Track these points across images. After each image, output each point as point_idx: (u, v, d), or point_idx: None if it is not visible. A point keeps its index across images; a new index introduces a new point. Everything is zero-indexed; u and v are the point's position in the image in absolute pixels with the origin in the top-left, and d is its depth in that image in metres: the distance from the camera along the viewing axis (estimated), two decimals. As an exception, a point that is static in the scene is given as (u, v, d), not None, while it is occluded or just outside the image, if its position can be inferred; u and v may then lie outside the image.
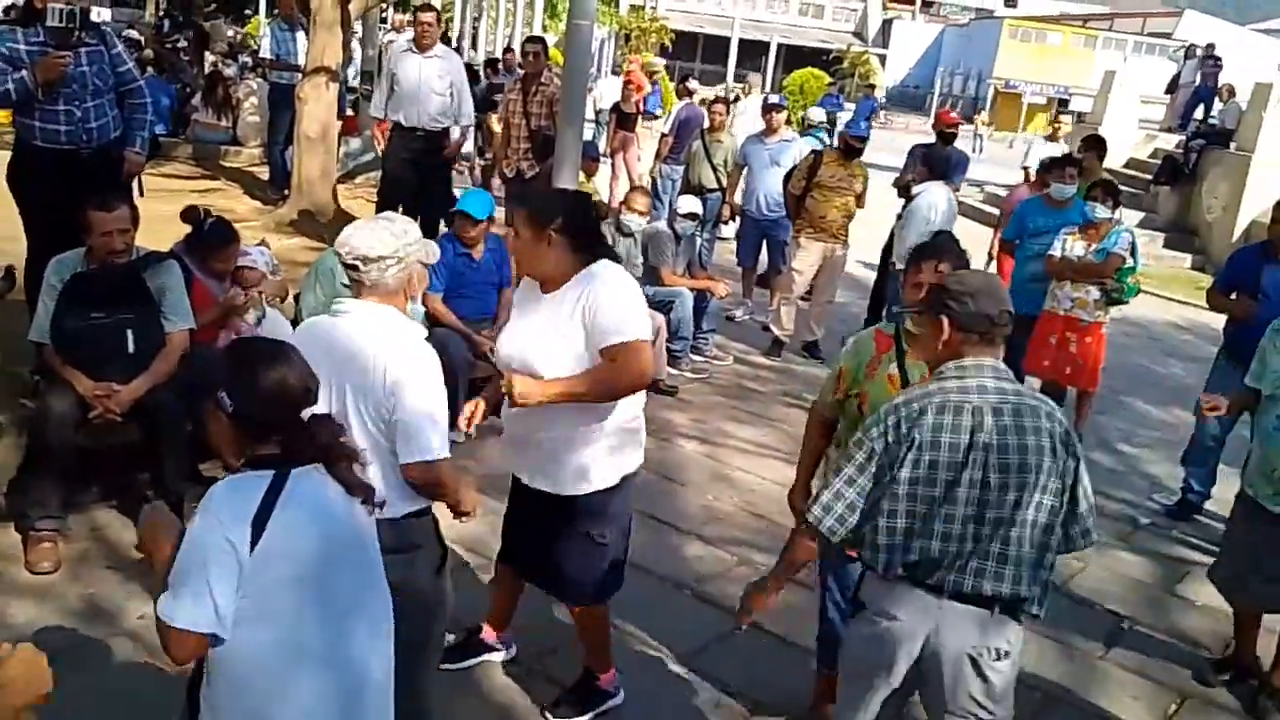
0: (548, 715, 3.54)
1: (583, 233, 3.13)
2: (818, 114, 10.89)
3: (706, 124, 9.64)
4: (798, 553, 2.86)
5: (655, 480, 5.46)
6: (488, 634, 3.76)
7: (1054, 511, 2.53)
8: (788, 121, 9.45)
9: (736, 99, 15.73)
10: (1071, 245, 6.23)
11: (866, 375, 3.12)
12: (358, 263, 2.70)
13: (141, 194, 5.24)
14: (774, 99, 9.26)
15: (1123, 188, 8.06)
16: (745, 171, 8.69)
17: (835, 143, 8.48)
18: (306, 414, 2.14)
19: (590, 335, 3.05)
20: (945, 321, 2.57)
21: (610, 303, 3.07)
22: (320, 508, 2.11)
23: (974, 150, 29.91)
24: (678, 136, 11.13)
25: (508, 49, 17.18)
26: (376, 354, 2.64)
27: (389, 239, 2.70)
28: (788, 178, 8.01)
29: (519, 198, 3.17)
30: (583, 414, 3.14)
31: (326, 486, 2.13)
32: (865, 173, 7.85)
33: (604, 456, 3.22)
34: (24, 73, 4.58)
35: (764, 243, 8.70)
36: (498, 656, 3.77)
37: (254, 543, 1.99)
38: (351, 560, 2.18)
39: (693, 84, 14.59)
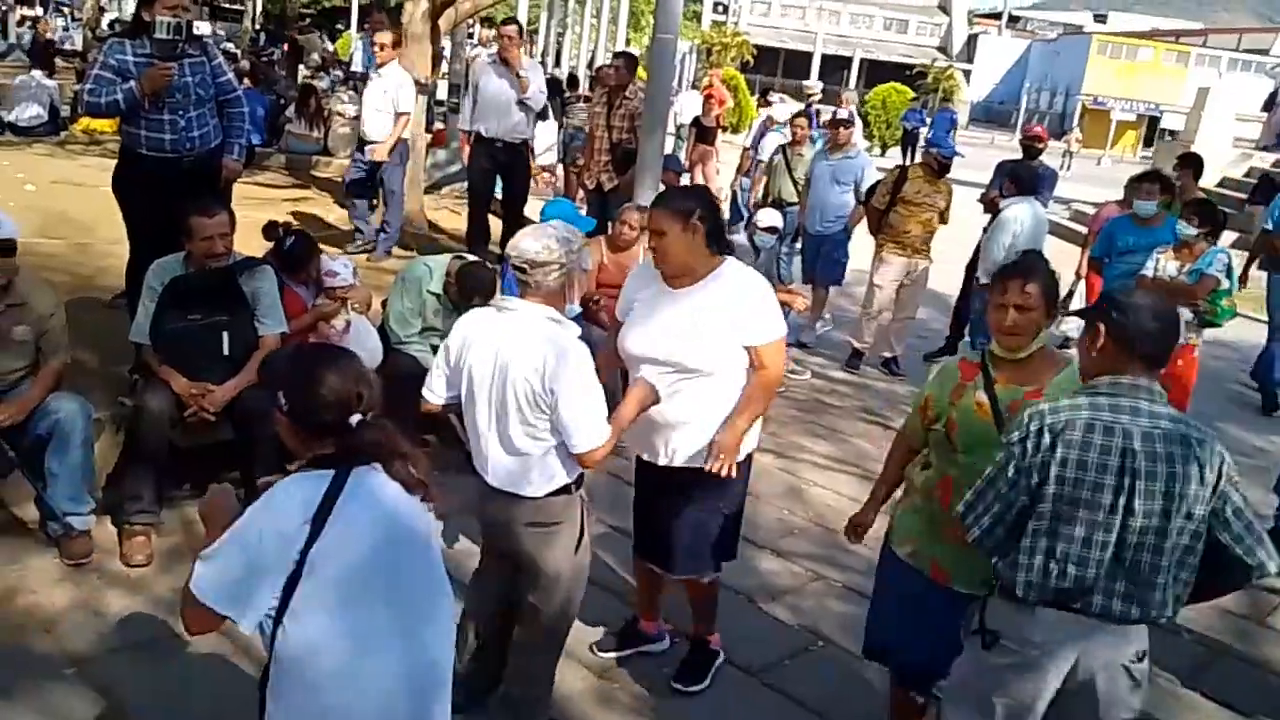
0: (675, 686, 3.73)
1: (716, 224, 3.31)
2: (781, 113, 10.87)
3: (789, 138, 9.62)
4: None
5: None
6: (645, 625, 3.95)
7: (1197, 537, 2.46)
8: (869, 136, 9.40)
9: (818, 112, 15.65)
10: (1165, 265, 6.08)
11: (951, 402, 3.03)
12: (525, 266, 2.97)
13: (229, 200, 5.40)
14: (842, 113, 9.04)
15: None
16: (810, 185, 8.53)
17: (919, 158, 8.38)
18: (355, 419, 2.20)
19: (740, 331, 3.27)
20: (1102, 329, 2.52)
21: (759, 302, 3.32)
22: (381, 505, 2.17)
23: (1064, 168, 29.35)
24: (757, 149, 11.14)
25: (600, 67, 17.28)
26: (537, 350, 2.91)
27: (555, 246, 2.97)
28: (870, 192, 7.96)
29: (657, 200, 3.43)
30: (716, 395, 3.33)
31: (387, 485, 2.19)
32: (950, 189, 7.78)
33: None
34: (132, 83, 4.75)
35: (815, 256, 8.49)
36: (654, 648, 3.95)
37: (313, 538, 2.06)
38: (413, 556, 2.23)
39: (774, 96, 14.56)
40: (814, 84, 15.80)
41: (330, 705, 2.13)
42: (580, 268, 3.09)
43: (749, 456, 3.55)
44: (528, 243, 2.99)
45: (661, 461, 3.46)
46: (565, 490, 3.10)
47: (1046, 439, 2.45)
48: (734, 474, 3.35)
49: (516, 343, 2.95)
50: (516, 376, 2.92)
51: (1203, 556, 2.48)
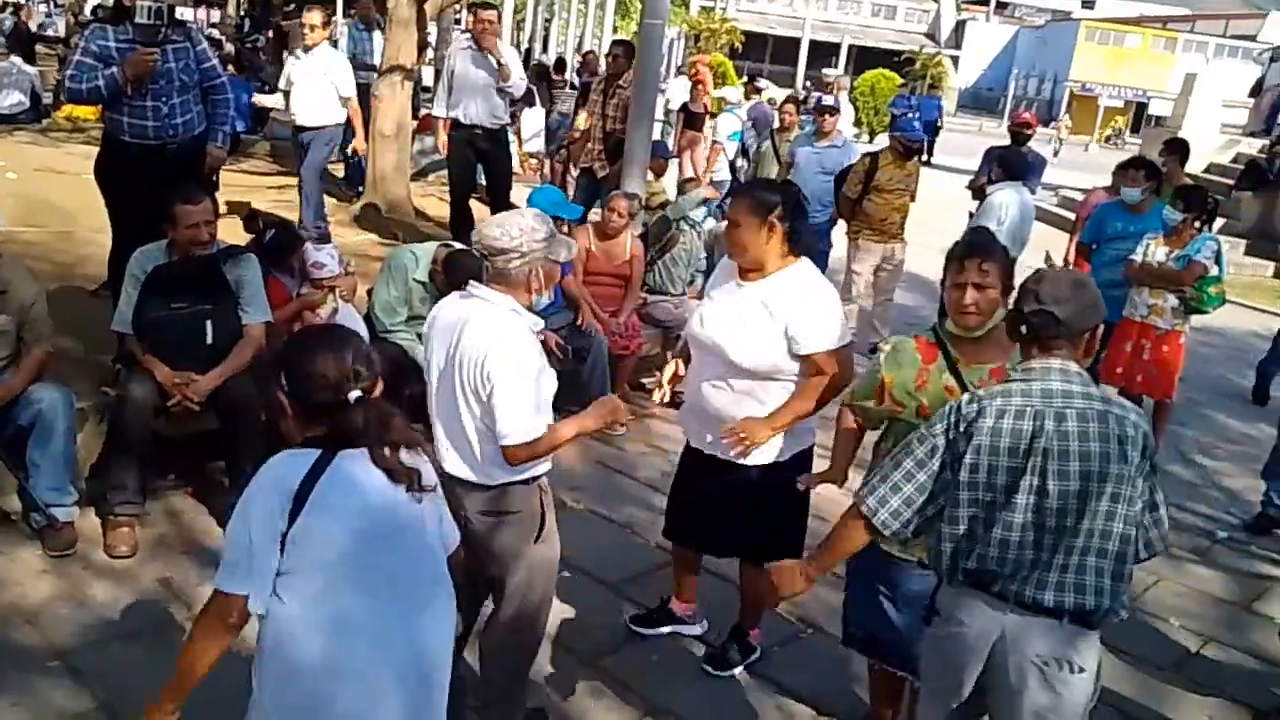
0: (708, 669, 3.78)
1: (796, 224, 3.33)
2: (733, 93, 10.81)
3: (776, 124, 9.59)
4: (835, 547, 2.74)
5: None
6: (676, 606, 3.97)
7: (1129, 520, 2.43)
8: (858, 123, 9.36)
9: (807, 99, 15.61)
10: (1154, 251, 6.08)
11: (918, 387, 2.99)
12: (485, 251, 2.92)
13: (217, 187, 5.36)
14: (828, 100, 8.84)
15: (1203, 193, 7.82)
16: (792, 171, 8.34)
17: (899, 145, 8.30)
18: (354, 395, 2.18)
19: (797, 340, 3.29)
20: (1011, 319, 2.53)
21: (818, 310, 3.33)
22: (360, 490, 2.15)
23: (1054, 154, 29.40)
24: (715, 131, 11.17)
25: (589, 53, 17.19)
26: (480, 339, 2.85)
27: (516, 233, 2.88)
28: (840, 180, 7.92)
29: (741, 191, 3.49)
30: (759, 389, 3.38)
31: (370, 472, 2.17)
32: (918, 169, 7.83)
33: (792, 432, 3.45)
34: (114, 69, 4.70)
35: None
36: (687, 630, 3.99)
37: (294, 516, 2.07)
38: (399, 543, 2.21)
39: (762, 83, 14.51)
40: (834, 72, 15.59)
41: (312, 691, 2.12)
42: (550, 258, 2.96)
43: (805, 452, 3.57)
44: (490, 228, 2.94)
45: (707, 451, 3.54)
46: (523, 481, 3.01)
47: (962, 427, 2.45)
48: (738, 446, 3.37)
49: (470, 330, 2.89)
50: (464, 363, 2.88)
51: None
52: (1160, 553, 2.60)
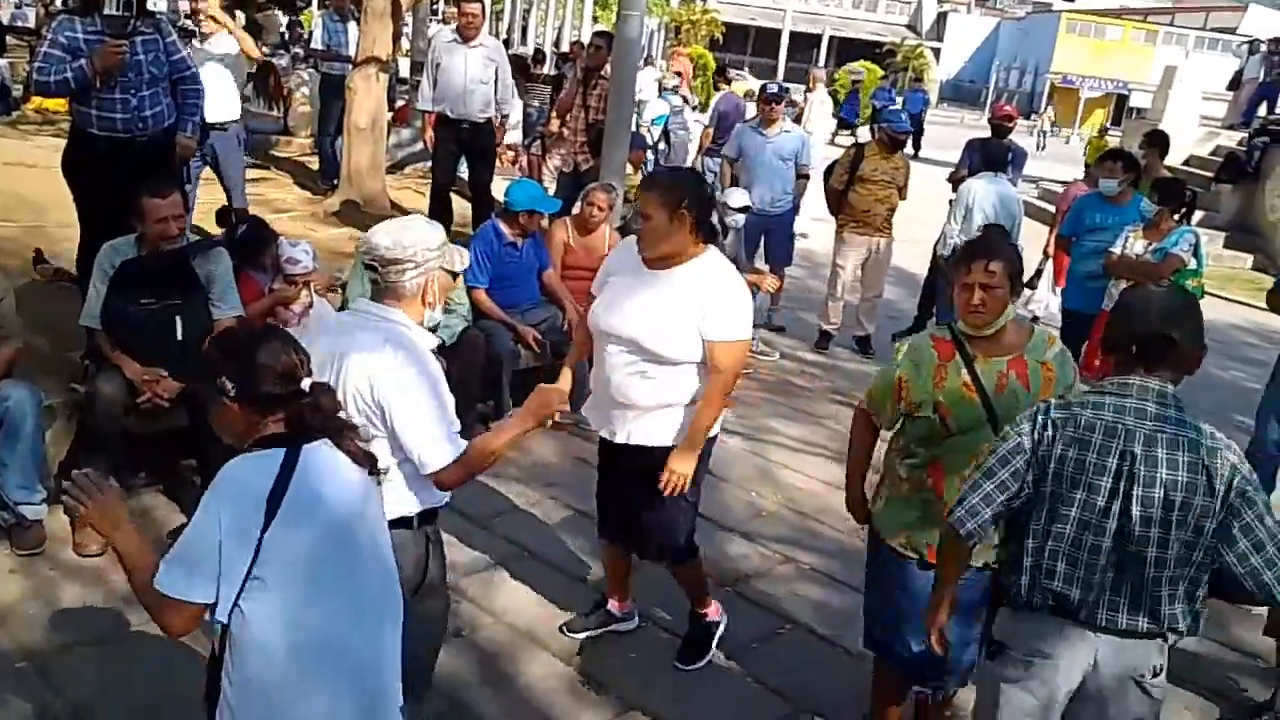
0: (678, 665, 3.74)
1: (703, 213, 3.30)
2: (669, 80, 10.79)
3: (756, 118, 9.51)
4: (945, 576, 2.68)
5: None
6: (613, 605, 3.93)
7: (1208, 552, 2.35)
8: (836, 115, 9.28)
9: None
10: (1133, 243, 6.08)
11: (935, 385, 2.97)
12: (374, 264, 2.65)
13: (189, 182, 5.28)
14: (773, 88, 8.47)
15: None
16: (739, 163, 7.99)
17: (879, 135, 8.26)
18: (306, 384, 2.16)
19: (702, 325, 3.25)
20: (1116, 334, 2.46)
21: (732, 299, 3.31)
22: (335, 479, 2.13)
23: (1038, 147, 29.48)
24: (718, 128, 11.06)
25: (576, 42, 17.07)
26: (373, 360, 2.57)
27: (408, 242, 2.63)
28: (829, 172, 7.90)
29: (648, 182, 3.38)
30: (674, 376, 3.33)
31: (338, 459, 2.15)
32: (907, 164, 7.77)
33: (687, 411, 3.39)
34: (82, 61, 4.61)
35: (764, 239, 8.03)
36: (623, 627, 3.94)
37: (269, 518, 2.01)
38: (364, 531, 2.20)
39: (733, 73, 14.47)
40: (819, 70, 15.35)
41: (282, 683, 2.08)
42: (445, 268, 2.84)
43: (712, 439, 3.53)
44: (379, 237, 2.65)
45: (619, 439, 3.46)
46: (404, 524, 2.67)
47: (1049, 433, 2.38)
48: (672, 492, 3.36)
49: (352, 351, 2.58)
50: (350, 388, 2.56)
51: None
52: (1268, 599, 2.43)
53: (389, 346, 2.59)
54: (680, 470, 3.35)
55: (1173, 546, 2.33)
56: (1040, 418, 2.41)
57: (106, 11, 4.60)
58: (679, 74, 12.30)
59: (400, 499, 2.65)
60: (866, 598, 3.39)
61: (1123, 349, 2.42)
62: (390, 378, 2.56)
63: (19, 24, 17.43)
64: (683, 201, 3.21)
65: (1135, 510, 2.31)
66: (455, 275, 2.88)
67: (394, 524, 2.47)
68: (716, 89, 13.13)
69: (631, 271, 3.37)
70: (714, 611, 3.85)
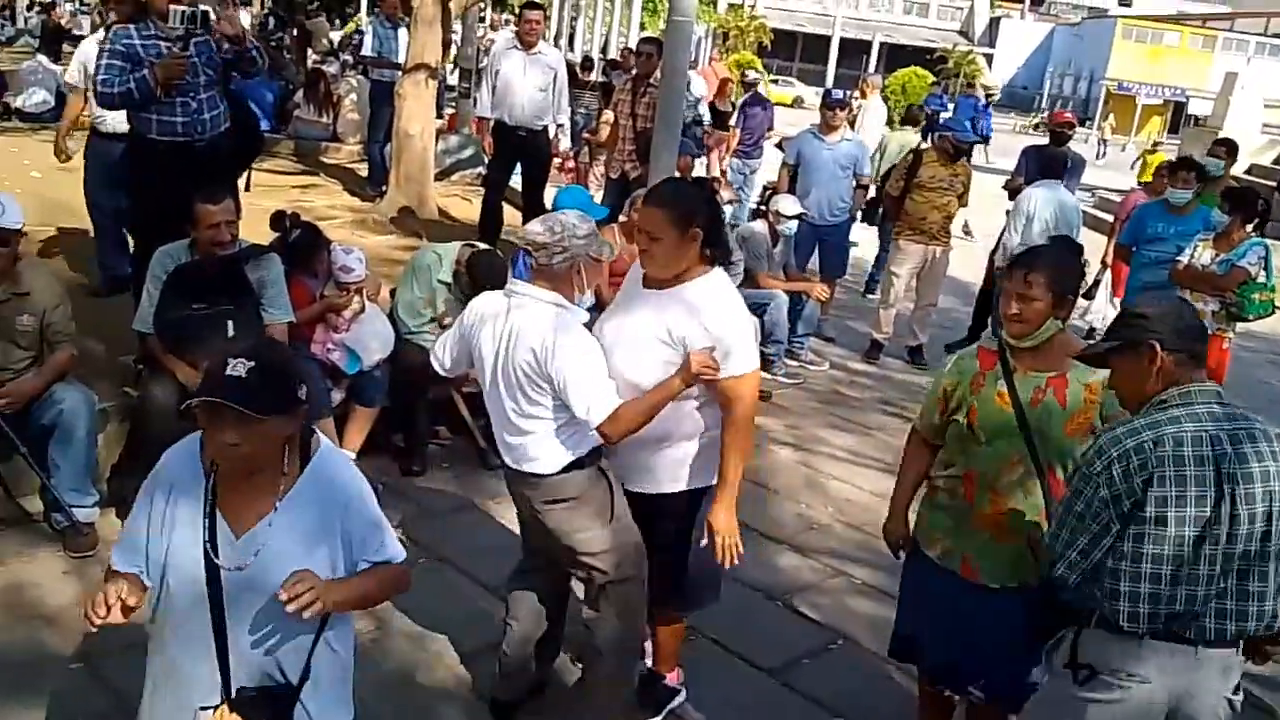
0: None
1: (715, 231, 3.09)
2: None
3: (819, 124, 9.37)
4: None
5: (747, 487, 5.27)
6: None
7: None
8: (889, 122, 9.18)
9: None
10: (1200, 253, 5.92)
11: (972, 392, 2.94)
12: (529, 247, 2.99)
13: (248, 189, 5.28)
14: (836, 94, 8.34)
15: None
16: (800, 171, 7.79)
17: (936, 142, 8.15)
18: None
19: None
20: (1156, 347, 2.38)
21: (734, 327, 3.01)
22: None
23: (1097, 155, 29.03)
24: (744, 130, 11.04)
25: (626, 49, 17.09)
26: (537, 333, 2.90)
27: (558, 229, 2.95)
28: (885, 179, 7.81)
29: (655, 197, 3.09)
30: (678, 415, 3.07)
31: None
32: (969, 171, 7.64)
33: (699, 456, 3.15)
34: (144, 72, 4.58)
35: (818, 248, 7.88)
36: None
37: None
38: None
39: (751, 75, 14.46)
40: (992, 80, 15.18)
41: None
42: (590, 256, 2.98)
43: (705, 489, 3.20)
44: (534, 224, 3.01)
45: (633, 488, 3.17)
46: (578, 465, 3.03)
47: (1134, 462, 2.30)
48: (732, 560, 3.10)
49: (519, 326, 2.94)
50: (518, 359, 2.92)
51: None
52: None
53: (552, 322, 2.92)
54: (723, 530, 3.06)
55: (1274, 539, 2.32)
56: (1111, 457, 2.33)
57: (171, 24, 4.59)
58: (725, 81, 12.28)
59: (568, 448, 3.00)
60: (900, 605, 3.32)
61: (1183, 353, 2.40)
62: (557, 349, 2.88)
63: (75, 32, 17.77)
64: (695, 219, 2.98)
65: (1242, 511, 2.30)
66: (600, 262, 3.03)
67: (569, 468, 3.00)
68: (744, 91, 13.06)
69: (632, 292, 3.14)
70: (674, 679, 3.55)
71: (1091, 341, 2.90)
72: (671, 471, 3.15)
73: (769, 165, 11.55)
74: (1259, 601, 2.34)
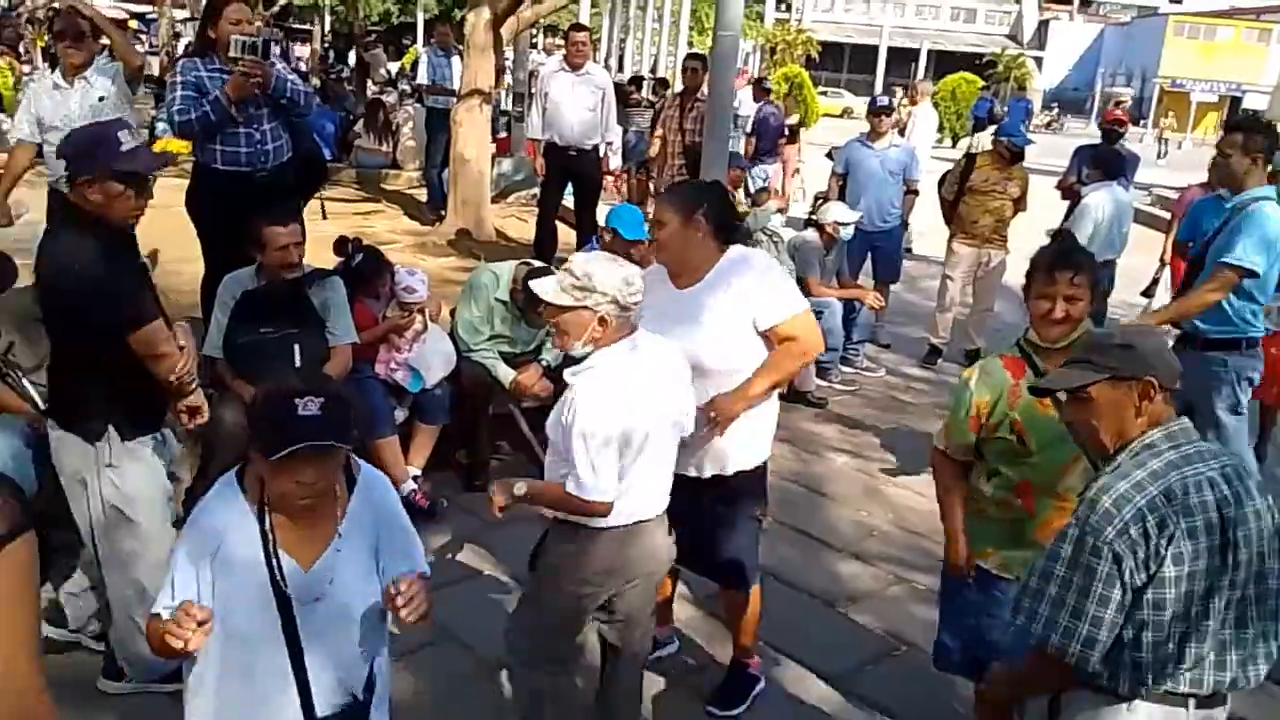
0: (712, 711, 3.56)
1: (724, 219, 3.20)
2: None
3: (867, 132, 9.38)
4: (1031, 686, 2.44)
5: (804, 494, 5.36)
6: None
7: None
8: (940, 128, 9.14)
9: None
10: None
11: (1010, 405, 2.89)
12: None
13: (325, 216, 5.34)
14: (882, 100, 8.41)
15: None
16: (849, 179, 7.84)
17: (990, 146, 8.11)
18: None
19: (756, 318, 3.13)
20: (1153, 383, 2.19)
21: (764, 281, 3.18)
22: None
23: (1158, 155, 28.53)
24: (760, 136, 11.12)
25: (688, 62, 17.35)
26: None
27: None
28: (941, 183, 7.79)
29: (665, 191, 3.29)
30: (727, 387, 3.16)
31: None
32: (1025, 176, 7.58)
33: (759, 432, 3.31)
34: (216, 93, 4.71)
35: (870, 255, 7.89)
36: (663, 651, 3.81)
37: None
38: None
39: (768, 83, 14.66)
40: (1125, 91, 15.13)
41: None
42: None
43: (763, 465, 3.41)
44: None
45: (691, 473, 3.22)
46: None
47: (1151, 521, 2.08)
48: (722, 434, 3.17)
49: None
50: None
51: None
52: None
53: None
54: (723, 408, 3.13)
55: (1269, 580, 2.19)
56: (1126, 519, 2.09)
57: (231, 54, 4.72)
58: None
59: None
60: (944, 617, 3.30)
61: (1170, 392, 2.24)
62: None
63: (145, 72, 18.21)
64: (698, 208, 3.11)
65: (1243, 555, 2.14)
66: None
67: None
68: (755, 99, 13.11)
69: (664, 296, 3.16)
70: (755, 666, 3.66)
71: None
72: (740, 452, 3.26)
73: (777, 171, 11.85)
74: (1259, 644, 2.20)
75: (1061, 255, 2.97)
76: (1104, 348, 2.27)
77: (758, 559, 3.51)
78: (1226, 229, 4.51)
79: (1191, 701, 2.19)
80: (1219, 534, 2.12)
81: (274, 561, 2.12)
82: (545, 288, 2.71)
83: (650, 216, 5.12)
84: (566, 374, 2.78)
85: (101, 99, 5.49)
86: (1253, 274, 4.38)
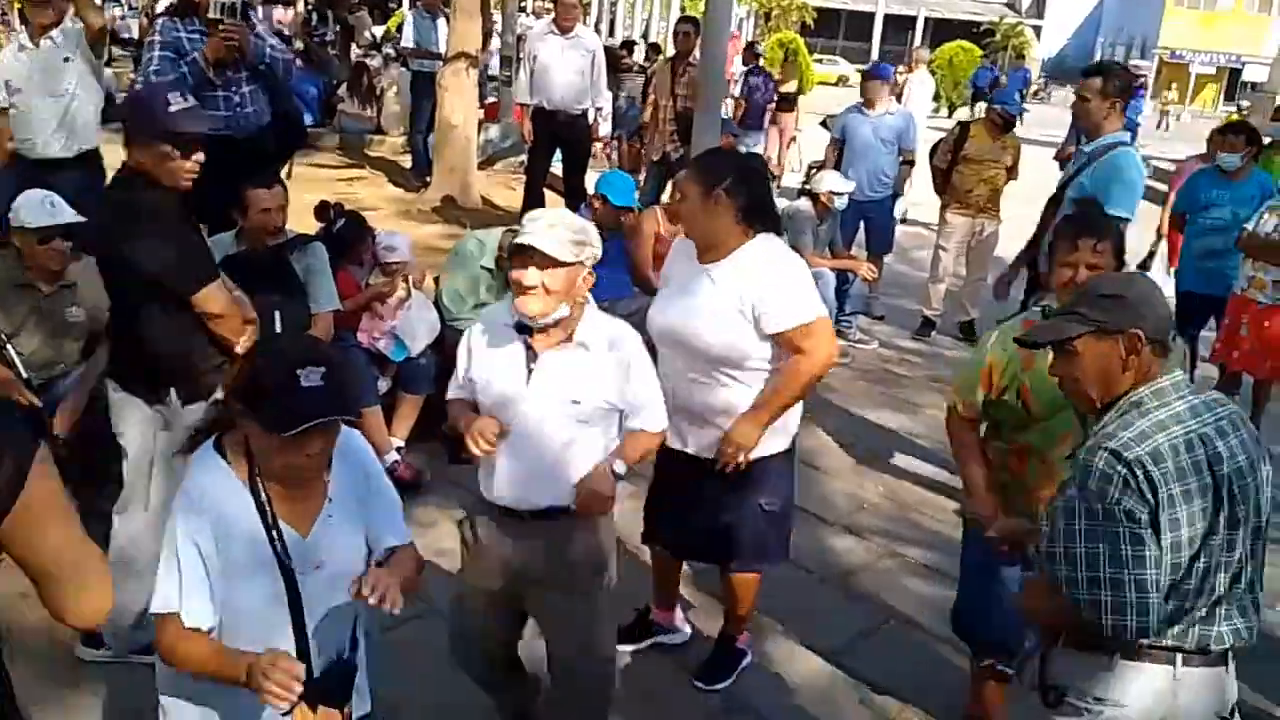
0: (699, 685, 3.52)
1: (751, 199, 3.03)
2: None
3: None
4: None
5: (798, 468, 5.29)
6: (657, 615, 3.75)
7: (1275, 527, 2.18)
8: (936, 97, 9.04)
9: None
10: (1266, 220, 5.75)
11: (1024, 368, 2.85)
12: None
13: (289, 176, 5.29)
14: (883, 68, 8.30)
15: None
16: (844, 147, 7.70)
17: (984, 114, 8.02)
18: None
19: (761, 320, 3.01)
20: (1140, 336, 2.11)
21: (782, 280, 3.04)
22: None
23: (1158, 126, 28.42)
24: (749, 101, 11.03)
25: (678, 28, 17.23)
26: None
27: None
28: (933, 151, 7.69)
29: (691, 161, 3.17)
30: (738, 383, 3.11)
31: None
32: (1017, 144, 7.50)
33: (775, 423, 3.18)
34: (194, 55, 4.64)
35: (863, 225, 7.76)
36: (672, 639, 3.75)
37: None
38: None
39: (760, 48, 14.58)
40: (923, 51, 14.87)
41: None
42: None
43: (789, 451, 3.32)
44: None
45: (691, 450, 3.22)
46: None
47: (1141, 477, 2.02)
48: (740, 468, 3.11)
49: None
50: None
51: None
52: None
53: None
54: (739, 440, 3.07)
55: (1264, 535, 2.16)
56: (1120, 468, 2.03)
57: (211, 15, 4.63)
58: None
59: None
60: (961, 583, 3.28)
61: (1160, 344, 2.15)
62: None
63: (123, 35, 17.99)
64: (721, 182, 2.98)
65: (1239, 512, 2.09)
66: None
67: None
68: (744, 64, 12.98)
69: (686, 267, 3.15)
70: (744, 640, 3.63)
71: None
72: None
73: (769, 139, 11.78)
74: (1255, 600, 2.17)
75: (1086, 222, 2.94)
76: (1093, 299, 2.20)
77: (765, 549, 3.37)
78: (1088, 172, 4.47)
79: (1179, 657, 2.14)
80: (1212, 494, 2.07)
81: (275, 533, 2.07)
82: (552, 242, 2.53)
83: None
84: (584, 333, 2.64)
85: (67, 59, 5.39)
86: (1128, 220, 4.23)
